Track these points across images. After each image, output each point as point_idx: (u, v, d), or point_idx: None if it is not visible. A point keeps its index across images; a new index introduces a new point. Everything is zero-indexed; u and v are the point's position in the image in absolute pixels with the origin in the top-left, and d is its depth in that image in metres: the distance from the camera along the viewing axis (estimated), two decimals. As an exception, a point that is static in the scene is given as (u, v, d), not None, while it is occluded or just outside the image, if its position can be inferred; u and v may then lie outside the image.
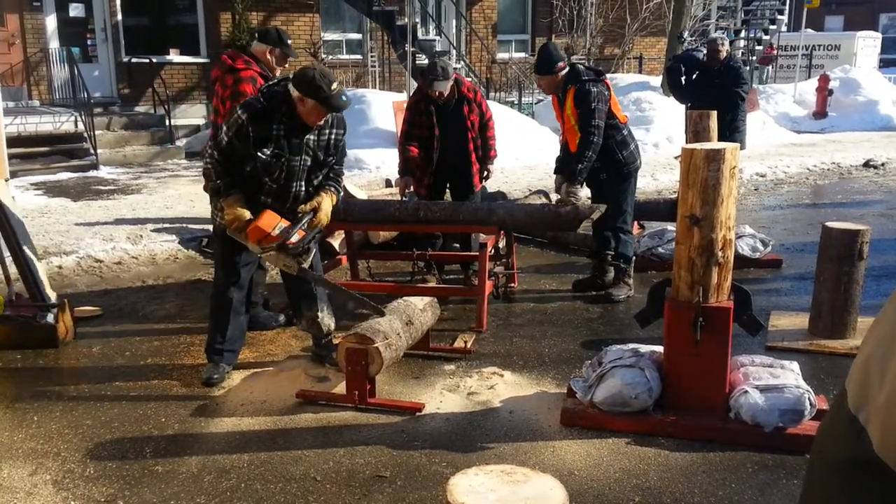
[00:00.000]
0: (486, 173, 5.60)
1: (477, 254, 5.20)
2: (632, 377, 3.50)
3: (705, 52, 7.88)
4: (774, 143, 13.50)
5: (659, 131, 12.60)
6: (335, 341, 4.12)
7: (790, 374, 3.49)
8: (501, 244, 5.34)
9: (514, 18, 17.61)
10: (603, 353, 3.76)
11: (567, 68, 5.21)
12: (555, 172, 5.56)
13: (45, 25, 11.95)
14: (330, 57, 14.15)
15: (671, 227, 5.70)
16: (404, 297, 4.27)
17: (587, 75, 5.18)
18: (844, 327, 4.55)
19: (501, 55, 16.70)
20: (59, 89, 11.82)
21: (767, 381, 3.42)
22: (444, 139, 5.39)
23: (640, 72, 16.86)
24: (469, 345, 4.53)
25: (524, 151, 11.00)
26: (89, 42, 12.66)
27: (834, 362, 4.29)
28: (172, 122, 12.21)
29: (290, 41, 4.80)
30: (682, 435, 3.43)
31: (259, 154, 3.71)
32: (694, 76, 7.76)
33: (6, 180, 4.99)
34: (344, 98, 3.72)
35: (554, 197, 6.03)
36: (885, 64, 22.06)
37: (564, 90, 5.18)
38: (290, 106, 3.70)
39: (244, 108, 3.74)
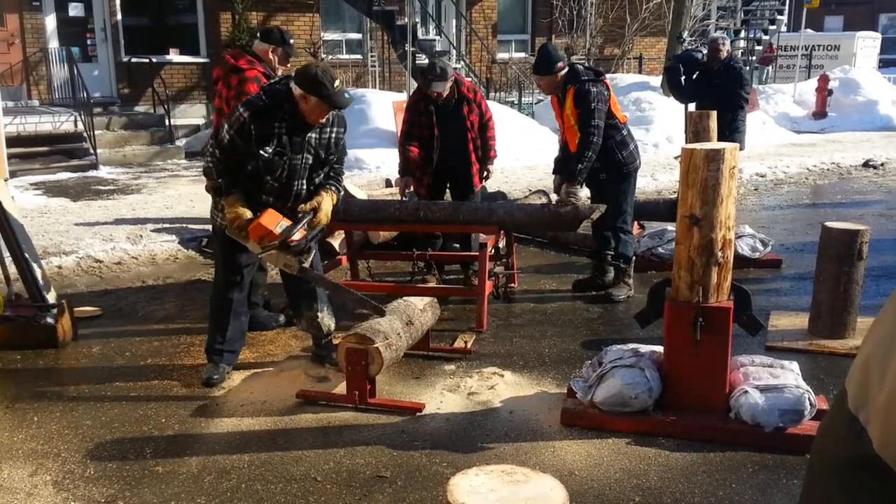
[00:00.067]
0: (485, 173, 5.61)
1: (477, 254, 5.20)
2: (632, 377, 3.50)
3: (706, 51, 7.87)
4: (774, 143, 13.50)
5: (659, 131, 12.61)
6: (335, 341, 4.12)
7: (790, 374, 3.49)
8: (501, 244, 5.33)
9: (514, 18, 17.61)
10: (603, 353, 3.76)
11: (566, 68, 5.21)
12: (554, 173, 5.56)
13: (45, 25, 11.94)
14: (330, 57, 14.15)
15: (671, 227, 5.70)
16: (404, 297, 4.27)
17: (587, 75, 5.18)
18: (844, 327, 4.55)
19: (501, 55, 16.70)
20: (59, 89, 11.82)
21: (767, 381, 3.42)
22: (444, 139, 5.39)
23: (639, 72, 16.87)
24: (469, 345, 4.53)
25: (524, 151, 11.00)
26: (89, 42, 12.65)
27: (834, 362, 4.29)
28: (172, 121, 12.21)
29: (292, 41, 4.81)
30: (683, 435, 3.43)
31: (261, 152, 3.71)
32: (694, 76, 7.74)
33: (6, 180, 4.99)
34: (346, 95, 3.73)
35: (554, 197, 6.03)
36: (884, 64, 22.08)
37: (564, 90, 5.18)
38: (291, 104, 3.71)
39: (246, 105, 3.74)
